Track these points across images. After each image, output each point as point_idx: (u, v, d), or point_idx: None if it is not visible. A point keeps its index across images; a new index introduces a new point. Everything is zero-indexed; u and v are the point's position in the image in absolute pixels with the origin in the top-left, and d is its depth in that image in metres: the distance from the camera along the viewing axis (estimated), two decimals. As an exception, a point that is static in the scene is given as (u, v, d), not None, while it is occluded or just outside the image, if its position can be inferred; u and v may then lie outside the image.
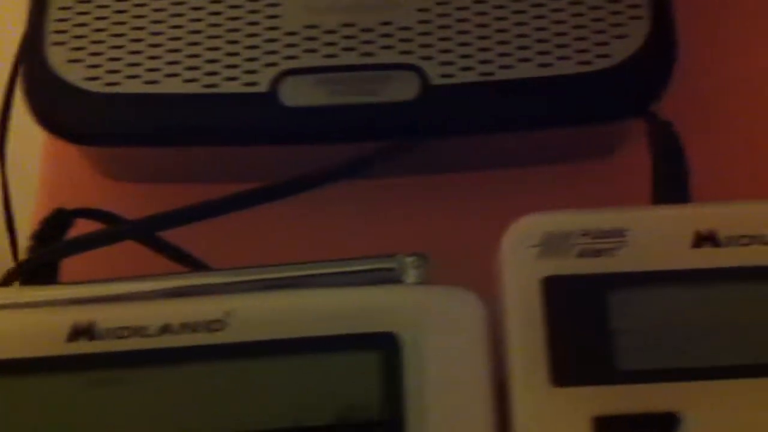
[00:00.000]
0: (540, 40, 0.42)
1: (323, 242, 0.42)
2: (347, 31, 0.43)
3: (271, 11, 0.43)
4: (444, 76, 0.42)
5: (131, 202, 0.46)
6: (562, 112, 0.42)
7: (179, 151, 0.44)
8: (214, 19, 0.43)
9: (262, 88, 0.42)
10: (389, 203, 0.43)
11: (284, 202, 0.38)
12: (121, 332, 0.35)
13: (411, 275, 0.37)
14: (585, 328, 0.35)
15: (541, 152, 0.45)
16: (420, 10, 0.43)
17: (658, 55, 0.42)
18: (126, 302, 0.36)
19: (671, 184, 0.39)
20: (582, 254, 0.36)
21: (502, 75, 0.42)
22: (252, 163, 0.45)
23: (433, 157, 0.44)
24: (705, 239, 0.36)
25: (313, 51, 0.42)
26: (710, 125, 0.44)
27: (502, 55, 0.42)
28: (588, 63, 0.42)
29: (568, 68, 0.42)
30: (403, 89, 0.41)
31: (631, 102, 0.42)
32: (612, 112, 0.42)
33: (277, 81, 0.42)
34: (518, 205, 0.37)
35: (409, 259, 0.37)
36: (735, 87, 0.45)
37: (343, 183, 0.39)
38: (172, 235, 0.42)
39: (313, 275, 0.36)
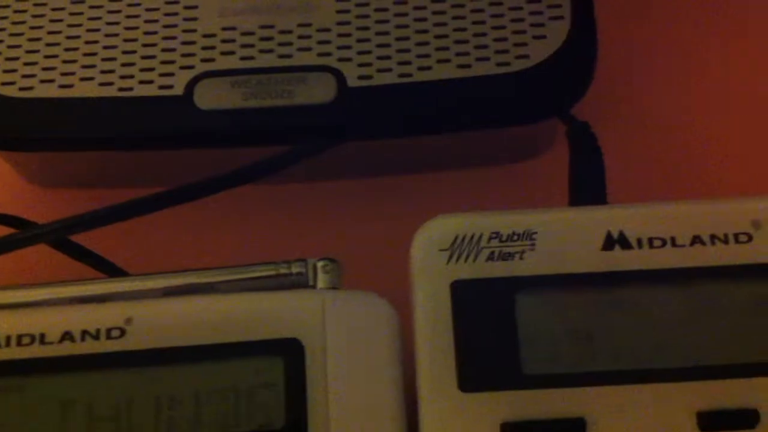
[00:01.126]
0: (459, 41, 0.41)
1: (235, 246, 0.41)
2: (264, 33, 0.42)
3: (187, 14, 0.42)
4: (361, 77, 0.41)
5: (55, 207, 0.45)
6: (481, 113, 0.40)
7: (96, 156, 0.43)
8: (130, 23, 0.42)
9: (177, 91, 0.40)
10: (303, 207, 0.42)
11: (196, 205, 0.37)
12: (22, 340, 0.35)
13: (321, 280, 0.36)
14: (493, 333, 0.34)
15: (464, 154, 0.44)
16: (339, 12, 0.42)
17: (577, 57, 0.41)
18: (27, 309, 0.35)
19: (587, 185, 0.38)
20: (491, 257, 0.35)
21: (420, 77, 0.41)
22: (171, 167, 0.44)
23: (353, 159, 0.43)
24: (615, 241, 0.35)
25: (229, 53, 0.41)
26: (627, 126, 0.43)
27: (420, 56, 0.41)
28: (507, 64, 0.41)
29: (487, 69, 0.41)
30: (319, 91, 0.41)
31: (549, 103, 0.41)
32: (530, 113, 0.41)
33: (192, 84, 0.40)
34: (437, 209, 0.37)
35: (320, 264, 0.36)
36: (652, 88, 0.44)
37: (257, 186, 0.39)
38: (92, 240, 0.42)
39: (219, 281, 0.35)
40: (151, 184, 0.41)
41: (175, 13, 0.42)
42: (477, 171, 0.43)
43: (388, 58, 0.41)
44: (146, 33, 0.42)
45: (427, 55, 0.41)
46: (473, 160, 0.44)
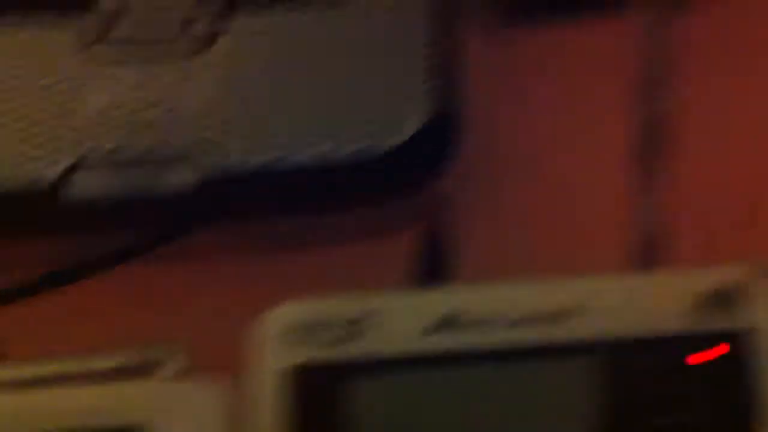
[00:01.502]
0: (325, 124, 0.43)
1: (84, 334, 0.42)
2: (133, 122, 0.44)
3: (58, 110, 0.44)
4: (230, 162, 0.42)
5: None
6: (337, 197, 0.43)
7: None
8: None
9: (44, 185, 0.42)
10: (157, 290, 0.44)
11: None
12: None
13: (167, 366, 0.38)
14: (328, 416, 0.36)
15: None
16: (205, 101, 0.44)
17: (437, 141, 0.43)
18: None
19: (431, 267, 0.41)
20: (328, 342, 0.37)
21: (290, 159, 0.42)
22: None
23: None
24: (448, 323, 0.37)
25: (98, 146, 0.43)
26: (491, 205, 0.45)
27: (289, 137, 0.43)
28: (363, 150, 0.43)
29: (345, 153, 0.43)
30: (182, 177, 0.42)
31: (405, 185, 0.43)
32: (386, 195, 0.43)
33: (63, 176, 0.42)
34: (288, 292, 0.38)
35: (165, 352, 0.38)
36: (514, 167, 0.46)
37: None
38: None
39: (60, 373, 0.37)
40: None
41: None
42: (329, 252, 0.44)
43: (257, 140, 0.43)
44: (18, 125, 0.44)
45: (283, 143, 0.42)
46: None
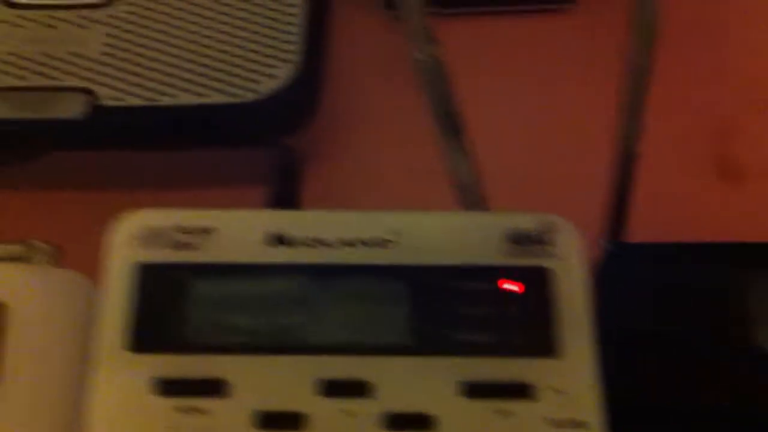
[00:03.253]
0: (201, 74, 0.49)
1: None
2: (41, 59, 0.49)
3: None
4: (114, 99, 0.48)
5: None
6: (211, 136, 0.48)
7: None
8: None
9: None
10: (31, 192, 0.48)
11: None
12: None
13: (39, 261, 0.42)
14: (166, 308, 0.40)
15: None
16: (105, 44, 0.49)
17: (300, 96, 0.48)
18: None
19: (281, 197, 0.45)
20: (174, 246, 0.41)
21: (164, 101, 0.48)
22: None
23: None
24: (276, 239, 0.42)
25: (7, 74, 0.48)
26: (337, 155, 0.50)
27: (167, 84, 0.48)
28: (237, 96, 0.48)
29: (220, 98, 0.48)
30: (75, 107, 0.48)
31: (269, 132, 0.48)
32: (251, 139, 0.48)
33: (-35, 97, 0.48)
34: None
35: (40, 246, 0.43)
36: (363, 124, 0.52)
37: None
38: None
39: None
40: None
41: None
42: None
43: (139, 85, 0.48)
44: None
45: (171, 84, 0.48)
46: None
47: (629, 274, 0.45)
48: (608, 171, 0.44)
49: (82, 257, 0.43)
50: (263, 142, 0.48)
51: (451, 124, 0.39)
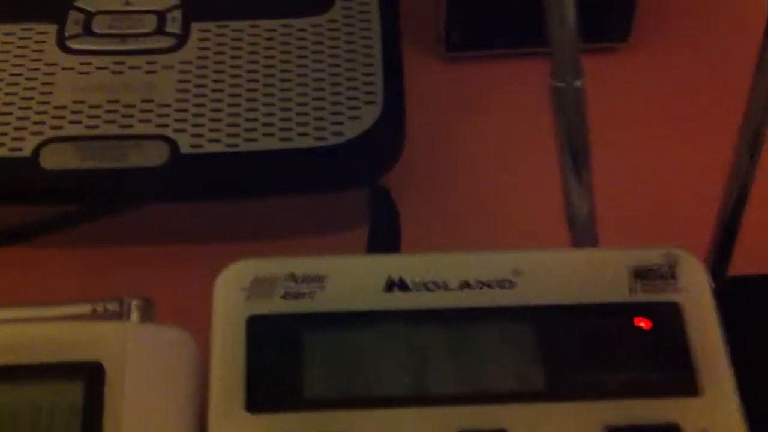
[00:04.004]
0: (283, 118, 0.47)
1: (56, 287, 0.45)
2: (110, 107, 0.47)
3: (44, 88, 0.47)
4: (193, 146, 0.46)
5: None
6: (298, 181, 0.46)
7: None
8: (-9, 91, 0.47)
9: (26, 153, 0.45)
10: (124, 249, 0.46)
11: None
12: None
13: (134, 316, 0.40)
14: (280, 363, 0.38)
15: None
16: (179, 90, 0.47)
17: (386, 136, 0.46)
18: None
19: (382, 239, 0.43)
20: (285, 296, 0.39)
21: (246, 147, 0.46)
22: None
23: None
24: (395, 285, 0.40)
25: (77, 122, 0.46)
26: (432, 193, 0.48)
27: (247, 129, 0.46)
28: (324, 139, 0.46)
29: (305, 143, 0.46)
30: (153, 156, 0.45)
31: (360, 174, 0.46)
32: (341, 183, 0.46)
33: (39, 147, 0.45)
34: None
35: (134, 302, 0.40)
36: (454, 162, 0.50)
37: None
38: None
39: (32, 318, 0.38)
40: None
41: (33, 87, 0.47)
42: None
43: (218, 130, 0.46)
44: (5, 103, 0.47)
45: (253, 129, 0.46)
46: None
47: (738, 310, 0.44)
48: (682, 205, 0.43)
49: (176, 312, 0.40)
50: (350, 186, 0.46)
51: (578, 157, 0.37)
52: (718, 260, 0.46)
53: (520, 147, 0.47)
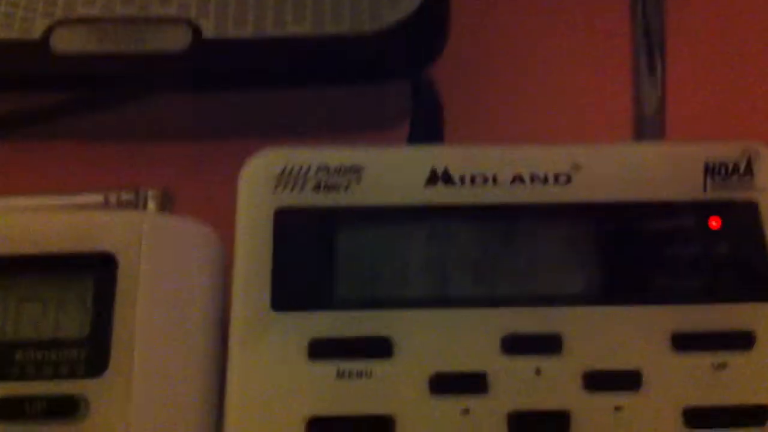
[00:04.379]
0: (315, 0, 0.43)
1: (71, 175, 0.41)
2: (126, -10, 0.43)
3: (53, -33, 0.44)
4: (217, 30, 0.42)
5: None
6: (331, 71, 0.42)
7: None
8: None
9: (35, 35, 0.42)
10: (141, 139, 0.42)
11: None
12: None
13: (151, 207, 0.36)
14: (311, 259, 0.33)
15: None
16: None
17: (429, 22, 0.42)
18: None
19: (424, 128, 0.39)
20: (317, 188, 0.35)
21: (275, 32, 0.42)
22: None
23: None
24: (439, 177, 0.36)
25: (91, 2, 0.42)
26: (475, 87, 0.44)
27: (276, 12, 0.42)
28: (360, 24, 0.42)
29: (341, 28, 0.42)
30: (174, 40, 0.42)
31: (401, 65, 0.42)
32: (379, 74, 0.42)
33: (50, 30, 0.41)
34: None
35: (150, 193, 0.37)
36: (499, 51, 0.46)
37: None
38: None
39: (45, 206, 0.35)
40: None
41: (42, -34, 0.43)
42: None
43: (244, 13, 0.42)
44: (12, -18, 0.43)
45: (282, 12, 0.42)
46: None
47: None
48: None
49: (198, 207, 0.37)
50: (389, 78, 0.42)
51: (652, 41, 0.33)
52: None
53: (582, 33, 0.42)
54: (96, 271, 0.32)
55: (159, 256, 0.33)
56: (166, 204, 0.36)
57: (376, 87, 0.42)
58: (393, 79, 0.42)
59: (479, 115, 0.41)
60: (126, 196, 0.35)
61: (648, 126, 0.38)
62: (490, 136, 0.40)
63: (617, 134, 0.38)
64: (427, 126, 0.38)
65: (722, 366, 0.32)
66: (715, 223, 0.34)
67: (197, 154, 0.40)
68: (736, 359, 0.32)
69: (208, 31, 0.41)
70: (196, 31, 0.41)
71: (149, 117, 0.42)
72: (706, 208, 0.34)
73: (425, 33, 0.42)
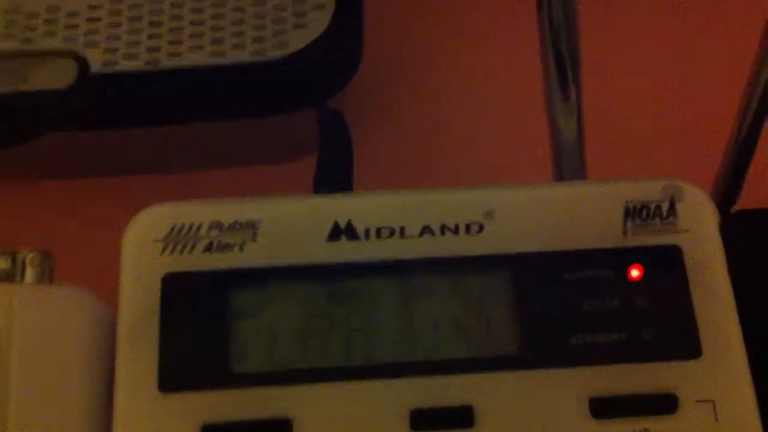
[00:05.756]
0: (213, 27, 0.39)
1: None
2: (10, 17, 0.39)
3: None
4: (106, 64, 0.39)
5: None
6: (231, 103, 0.39)
7: None
8: None
9: None
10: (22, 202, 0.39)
11: None
12: None
13: (30, 274, 0.33)
14: (202, 329, 0.30)
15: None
16: (90, -2, 0.40)
17: (338, 49, 0.39)
18: None
19: (332, 174, 0.36)
20: (209, 248, 0.32)
21: (168, 63, 0.39)
22: None
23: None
24: (342, 232, 0.33)
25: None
26: (386, 115, 0.41)
27: (171, 42, 0.39)
28: (262, 52, 0.39)
29: (242, 57, 0.39)
30: (58, 76, 0.38)
31: (304, 93, 0.39)
32: (282, 104, 0.39)
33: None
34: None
35: (29, 256, 0.34)
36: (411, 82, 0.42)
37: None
38: None
39: None
40: None
41: None
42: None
43: (137, 44, 0.39)
44: None
45: (178, 42, 0.39)
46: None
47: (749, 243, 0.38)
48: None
49: (83, 268, 0.34)
50: (293, 109, 0.39)
51: (565, 66, 0.30)
52: (725, 195, 0.39)
53: (497, 62, 0.39)
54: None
55: (35, 333, 0.30)
56: (46, 268, 0.33)
57: (284, 119, 0.39)
58: (297, 109, 0.39)
59: (390, 151, 0.38)
60: (2, 264, 0.32)
61: (567, 158, 0.35)
62: (404, 173, 0.37)
63: (539, 168, 0.35)
64: (334, 160, 0.35)
65: (646, 434, 0.30)
66: (635, 272, 0.32)
67: (83, 205, 0.37)
68: (658, 424, 0.30)
69: (96, 65, 0.38)
70: (83, 65, 0.38)
71: (29, 162, 0.39)
72: (626, 256, 0.32)
73: (332, 59, 0.39)
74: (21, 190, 0.38)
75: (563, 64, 0.34)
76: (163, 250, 0.32)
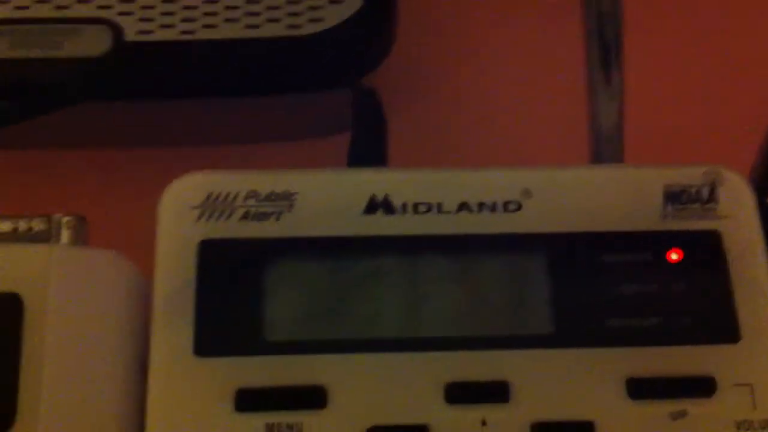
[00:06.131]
0: (249, 1, 0.39)
1: None
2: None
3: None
4: (141, 32, 0.38)
5: None
6: (265, 78, 0.39)
7: None
8: None
9: (-61, 37, 0.38)
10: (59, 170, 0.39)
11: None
12: None
13: (65, 237, 0.33)
14: (238, 297, 0.30)
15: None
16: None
17: (373, 26, 0.39)
18: None
19: (366, 150, 0.36)
20: (246, 217, 0.32)
21: (203, 34, 0.39)
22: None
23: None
24: (379, 205, 0.33)
25: (3, 2, 0.39)
26: (421, 96, 0.41)
27: (206, 13, 0.39)
28: (297, 26, 0.39)
29: (276, 31, 0.39)
30: (92, 44, 0.38)
31: (339, 70, 0.39)
32: (317, 81, 0.39)
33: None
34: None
35: (64, 220, 0.33)
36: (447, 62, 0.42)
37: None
38: None
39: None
40: None
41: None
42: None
43: (171, 14, 0.39)
44: None
45: (213, 13, 0.39)
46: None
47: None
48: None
49: (116, 234, 0.34)
50: (328, 86, 0.39)
51: (608, 51, 0.30)
52: (761, 184, 0.39)
53: (536, 44, 0.39)
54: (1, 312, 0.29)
55: (70, 295, 0.30)
56: (81, 232, 0.32)
57: (317, 97, 0.39)
58: (332, 86, 0.39)
59: (424, 132, 0.37)
60: (37, 225, 0.32)
61: (605, 143, 0.35)
62: (439, 154, 0.37)
63: (574, 153, 0.35)
64: (368, 139, 0.35)
65: (681, 414, 0.30)
66: (674, 255, 0.32)
67: (118, 174, 0.37)
68: (695, 407, 0.30)
69: (131, 33, 0.38)
70: (118, 34, 0.38)
71: (64, 131, 0.39)
72: (666, 239, 0.32)
73: (367, 36, 0.39)
74: (54, 160, 0.37)
75: (607, 46, 0.34)
76: (200, 216, 0.32)
